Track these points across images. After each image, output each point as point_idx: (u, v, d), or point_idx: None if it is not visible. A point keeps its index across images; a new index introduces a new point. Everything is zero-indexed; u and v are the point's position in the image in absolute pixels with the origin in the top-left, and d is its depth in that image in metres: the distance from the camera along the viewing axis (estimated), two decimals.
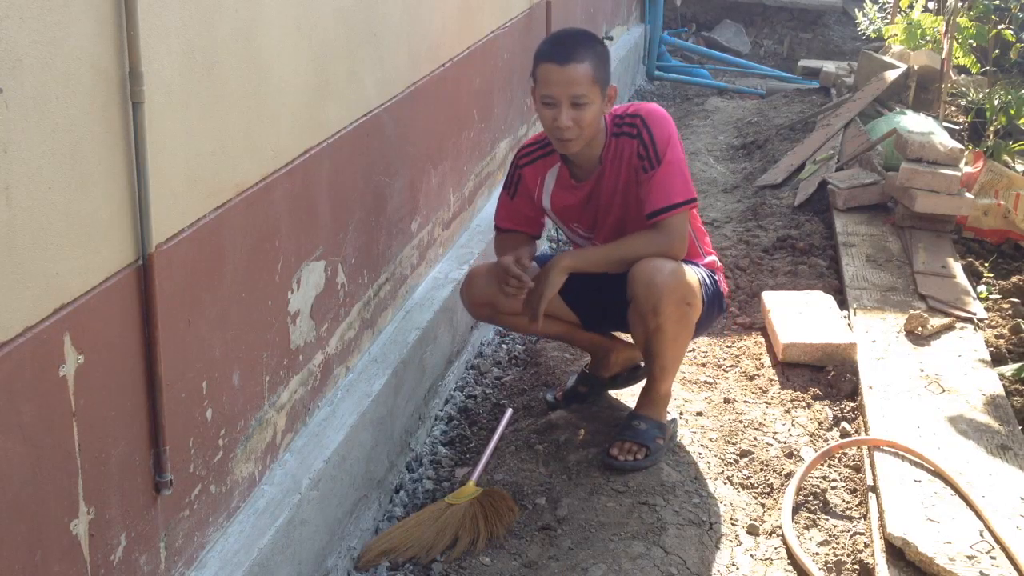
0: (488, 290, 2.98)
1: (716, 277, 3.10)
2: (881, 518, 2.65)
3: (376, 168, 2.84)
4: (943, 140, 4.74)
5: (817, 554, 2.68)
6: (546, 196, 3.04)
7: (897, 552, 2.53)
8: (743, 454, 3.07)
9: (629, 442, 2.96)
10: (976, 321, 3.75)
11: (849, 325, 3.73)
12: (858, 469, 3.02)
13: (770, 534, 2.75)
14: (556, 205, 3.03)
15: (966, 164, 4.77)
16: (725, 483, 2.94)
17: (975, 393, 3.24)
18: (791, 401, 3.39)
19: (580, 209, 3.01)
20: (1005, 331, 3.77)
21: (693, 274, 2.92)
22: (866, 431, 3.10)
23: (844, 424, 3.25)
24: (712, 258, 3.14)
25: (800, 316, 3.71)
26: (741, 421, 3.24)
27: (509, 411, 3.28)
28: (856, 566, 2.62)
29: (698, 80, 7.92)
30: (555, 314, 3.12)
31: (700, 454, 3.07)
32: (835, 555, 2.67)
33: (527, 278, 2.83)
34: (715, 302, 3.07)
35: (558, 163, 2.99)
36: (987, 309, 3.95)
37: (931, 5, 6.72)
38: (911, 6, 6.83)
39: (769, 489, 2.93)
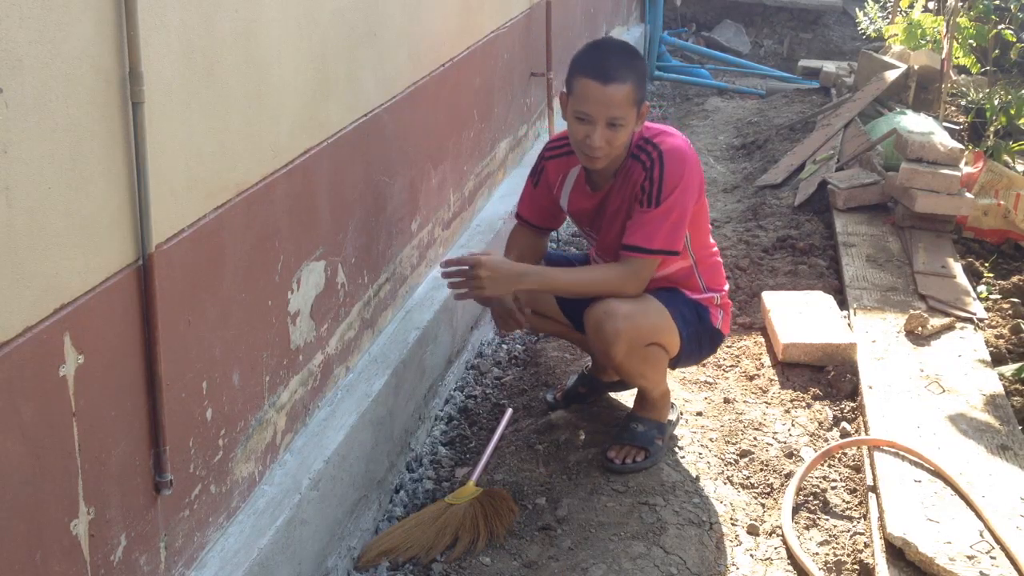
0: None
1: (708, 312, 2.99)
2: (881, 518, 2.65)
3: (376, 168, 2.84)
4: (943, 140, 4.74)
5: (817, 554, 2.68)
6: (564, 195, 3.02)
7: (897, 552, 2.54)
8: (743, 454, 3.07)
9: (628, 445, 2.97)
10: (976, 321, 3.75)
11: (849, 325, 3.73)
12: (858, 469, 3.02)
13: (770, 534, 2.75)
14: (572, 206, 3.01)
15: (966, 164, 4.77)
16: (725, 483, 2.94)
17: (975, 393, 3.24)
18: (791, 401, 3.39)
19: (592, 216, 2.97)
20: (1005, 331, 3.78)
21: (658, 315, 2.84)
22: (866, 431, 3.10)
23: (844, 424, 3.25)
24: (712, 294, 3.00)
25: (800, 316, 3.71)
26: (741, 421, 3.24)
27: (509, 411, 3.28)
28: (856, 566, 2.62)
29: (698, 80, 7.92)
30: (552, 315, 3.14)
31: (700, 454, 3.07)
32: (835, 555, 2.67)
33: (525, 326, 2.95)
34: (702, 338, 2.99)
35: (579, 165, 2.95)
36: (987, 309, 3.95)
37: (931, 5, 6.72)
38: (911, 6, 6.83)
39: (769, 489, 2.93)
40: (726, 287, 3.07)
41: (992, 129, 5.57)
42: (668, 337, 2.88)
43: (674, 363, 3.03)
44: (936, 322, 3.68)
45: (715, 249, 3.06)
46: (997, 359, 3.55)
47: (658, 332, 2.85)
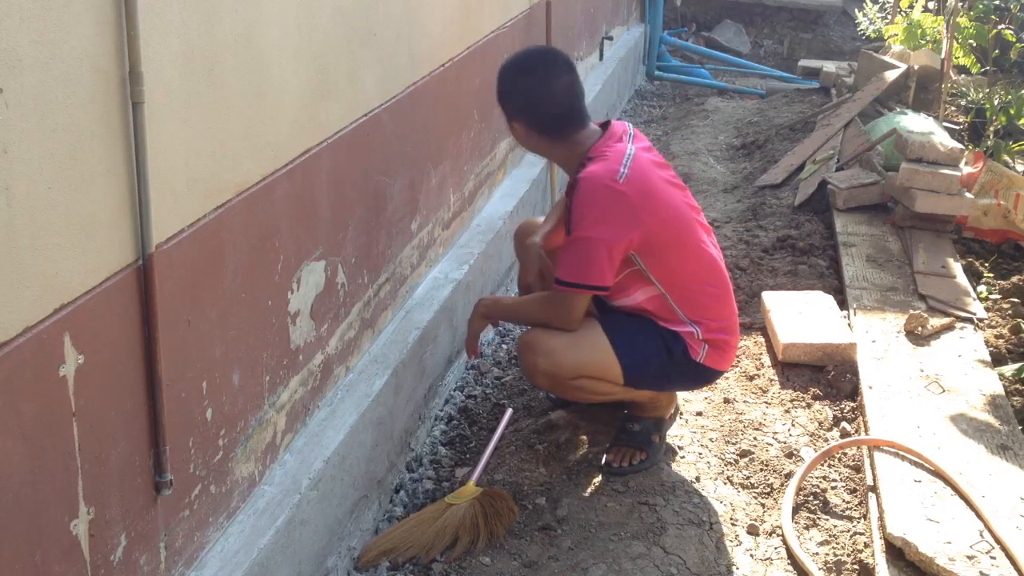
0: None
1: (684, 345, 2.81)
2: (881, 518, 2.65)
3: (376, 168, 2.84)
4: (943, 140, 4.74)
5: (817, 554, 2.68)
6: None
7: (897, 552, 2.54)
8: (743, 454, 3.07)
9: (625, 447, 2.97)
10: (976, 321, 3.75)
11: (849, 325, 3.73)
12: (858, 469, 3.02)
13: (770, 534, 2.75)
14: None
15: (966, 164, 4.77)
16: (725, 483, 2.94)
17: (975, 393, 3.24)
18: (791, 401, 3.39)
19: None
20: (1005, 331, 3.78)
21: (589, 350, 2.78)
22: (866, 431, 3.10)
23: (844, 424, 3.25)
24: (693, 327, 2.81)
25: (800, 316, 3.71)
26: (741, 421, 3.24)
27: (509, 411, 3.28)
28: (856, 566, 2.62)
29: (698, 80, 7.92)
30: None
31: (700, 454, 3.07)
32: (835, 555, 2.67)
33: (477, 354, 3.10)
34: (671, 373, 2.86)
35: None
36: (987, 309, 3.95)
37: (931, 5, 6.73)
38: (911, 6, 6.83)
39: (769, 489, 2.93)
40: (726, 322, 2.88)
41: (992, 129, 5.57)
42: (601, 372, 2.80)
43: (638, 388, 2.91)
44: (936, 322, 3.68)
45: (709, 284, 2.86)
46: (997, 359, 3.55)
47: (585, 368, 2.79)
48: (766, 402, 3.38)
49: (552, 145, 2.86)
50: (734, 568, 2.62)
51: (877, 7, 7.73)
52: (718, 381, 3.50)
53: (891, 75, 6.20)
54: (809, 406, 3.36)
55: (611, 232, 2.67)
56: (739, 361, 3.66)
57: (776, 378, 3.53)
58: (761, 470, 3.01)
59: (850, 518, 2.82)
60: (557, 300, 2.79)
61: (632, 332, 2.83)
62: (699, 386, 3.14)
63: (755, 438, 3.16)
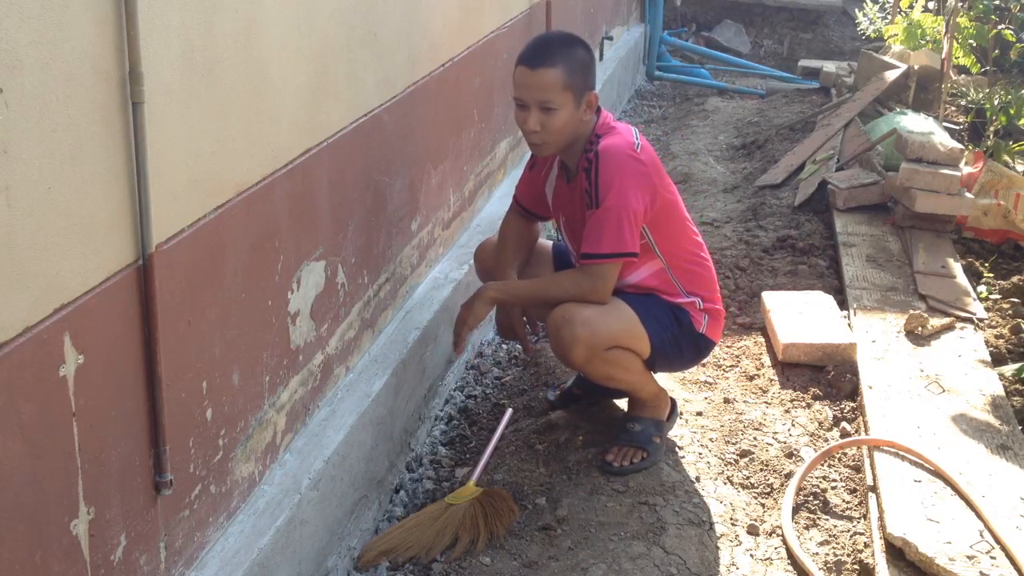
0: (490, 264, 3.16)
1: (689, 316, 2.93)
2: (881, 518, 2.65)
3: (376, 168, 2.84)
4: (943, 140, 4.74)
5: (817, 554, 2.68)
6: (549, 185, 3.06)
7: (897, 552, 2.54)
8: (743, 454, 3.07)
9: (626, 446, 2.96)
10: (976, 321, 3.75)
11: (849, 325, 3.73)
12: (858, 469, 3.02)
13: (770, 534, 2.75)
14: (554, 198, 3.04)
15: (966, 164, 4.77)
16: (725, 483, 2.94)
17: (975, 393, 3.24)
18: (791, 401, 3.39)
19: (572, 208, 2.98)
20: (1005, 331, 3.78)
21: (621, 319, 2.82)
22: (866, 431, 3.10)
23: (844, 424, 3.25)
24: (693, 298, 2.94)
25: (800, 316, 3.71)
26: (741, 421, 3.24)
27: (509, 411, 3.28)
28: (856, 566, 2.62)
29: (698, 80, 7.92)
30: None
31: (700, 454, 3.07)
32: (835, 555, 2.67)
33: (462, 349, 3.00)
34: (682, 342, 2.94)
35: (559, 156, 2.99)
36: (987, 309, 3.95)
37: (931, 5, 6.73)
38: (911, 6, 6.83)
39: (769, 489, 2.93)
40: (715, 295, 3.01)
41: (992, 129, 5.58)
42: (633, 341, 2.85)
43: (653, 367, 2.99)
44: (936, 322, 3.68)
45: (700, 257, 2.99)
46: (997, 359, 3.55)
47: (619, 337, 2.82)
48: (766, 402, 3.38)
49: (587, 121, 2.84)
50: (734, 568, 2.62)
51: (877, 7, 7.73)
52: (718, 381, 3.50)
53: (891, 75, 6.20)
54: (809, 406, 3.36)
55: (636, 199, 2.75)
56: (739, 361, 3.66)
57: (776, 378, 3.53)
58: (761, 470, 3.01)
59: (850, 518, 2.82)
60: (593, 273, 2.78)
61: (647, 304, 2.89)
62: (699, 359, 3.15)
63: (755, 438, 3.16)
